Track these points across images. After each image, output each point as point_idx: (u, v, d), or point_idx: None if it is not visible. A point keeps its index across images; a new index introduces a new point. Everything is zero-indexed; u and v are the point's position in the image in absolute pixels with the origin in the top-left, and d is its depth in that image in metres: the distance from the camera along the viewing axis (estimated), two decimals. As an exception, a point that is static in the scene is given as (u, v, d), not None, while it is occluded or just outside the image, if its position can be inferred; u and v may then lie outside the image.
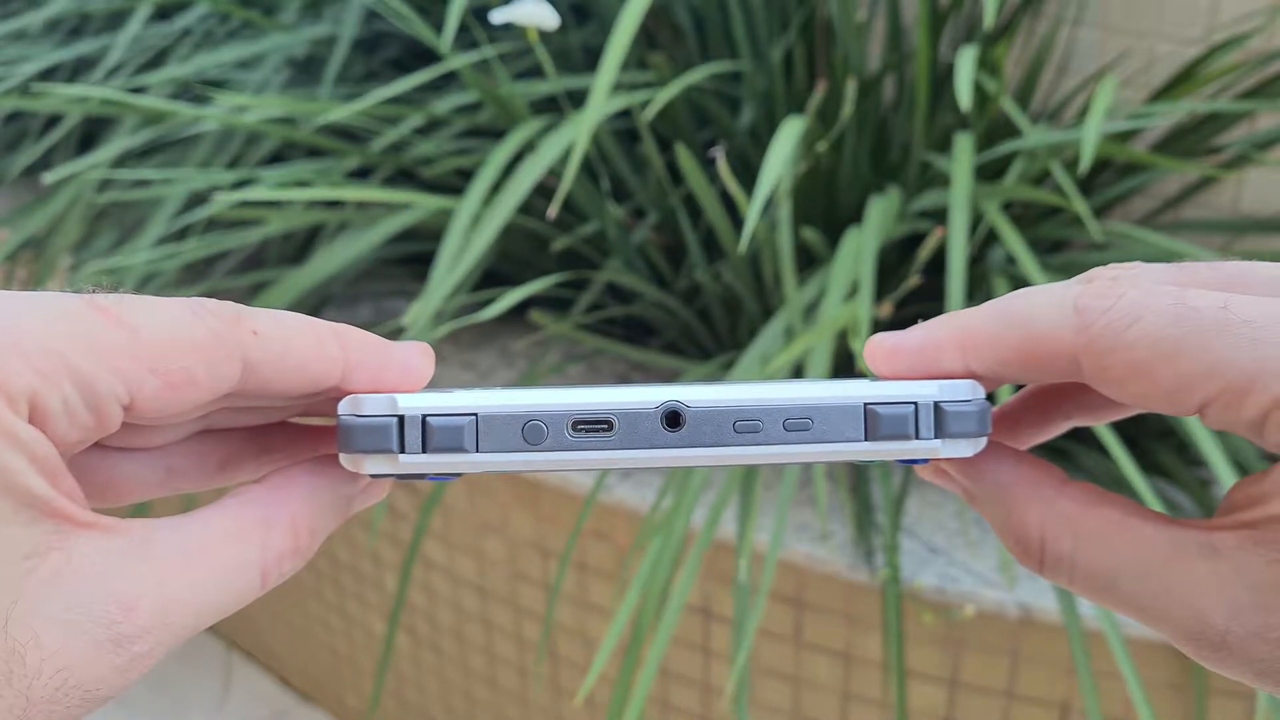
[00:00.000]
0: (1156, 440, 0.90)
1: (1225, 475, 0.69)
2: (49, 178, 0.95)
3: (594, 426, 0.24)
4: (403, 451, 0.24)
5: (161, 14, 1.23)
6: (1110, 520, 0.24)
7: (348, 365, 0.25)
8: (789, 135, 0.79)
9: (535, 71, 1.10)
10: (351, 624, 1.28)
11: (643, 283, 0.99)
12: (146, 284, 1.02)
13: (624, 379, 1.07)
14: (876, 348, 0.26)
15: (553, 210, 0.80)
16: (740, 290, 0.95)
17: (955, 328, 0.25)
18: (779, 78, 1.02)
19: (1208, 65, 0.94)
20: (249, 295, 1.05)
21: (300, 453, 0.28)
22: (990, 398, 0.26)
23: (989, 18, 0.79)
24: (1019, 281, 0.86)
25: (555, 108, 1.08)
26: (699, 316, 1.04)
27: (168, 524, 0.23)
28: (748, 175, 0.96)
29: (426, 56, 1.19)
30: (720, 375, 0.93)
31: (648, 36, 1.12)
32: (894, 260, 0.96)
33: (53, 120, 1.33)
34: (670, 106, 0.98)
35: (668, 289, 1.05)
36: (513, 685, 1.13)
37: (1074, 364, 0.23)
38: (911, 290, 0.88)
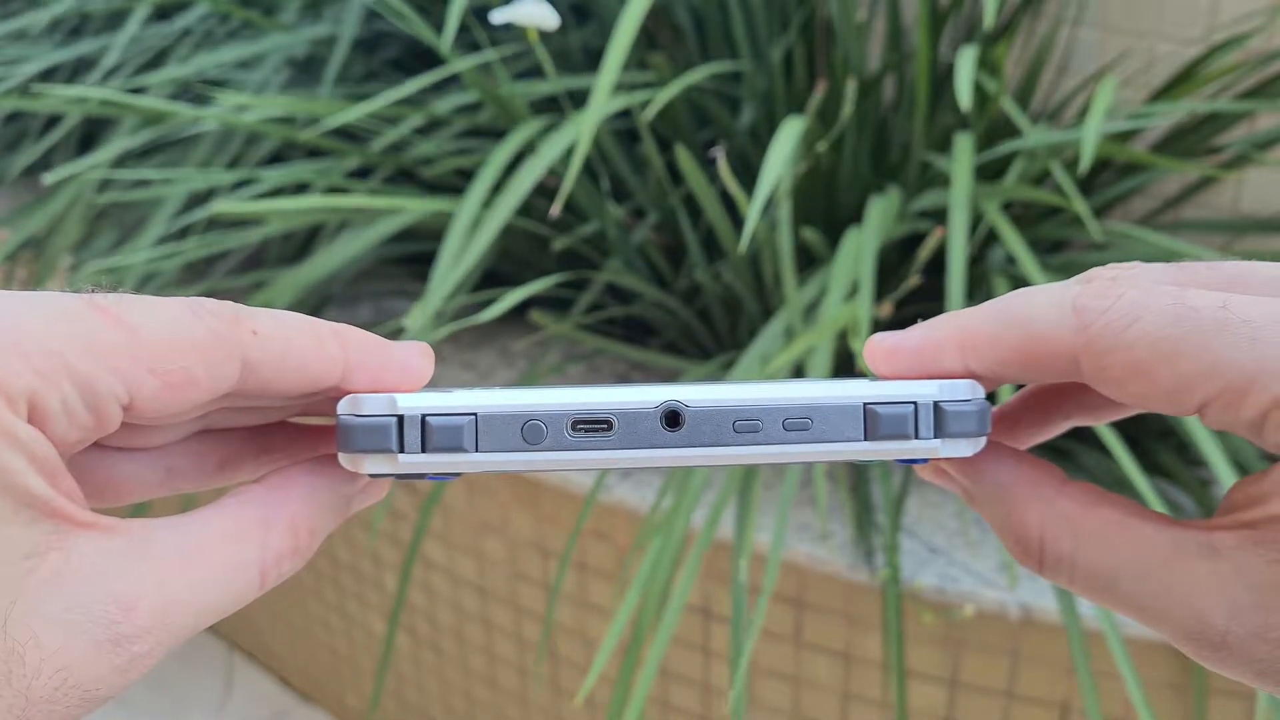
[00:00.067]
0: (1156, 440, 0.90)
1: (1225, 475, 0.69)
2: (49, 178, 0.95)
3: (593, 426, 0.24)
4: (402, 451, 0.24)
5: (161, 14, 1.23)
6: (1110, 520, 0.24)
7: (347, 365, 0.25)
8: (789, 135, 0.79)
9: (535, 72, 1.10)
10: (351, 624, 1.28)
11: (643, 283, 0.99)
12: (146, 284, 1.02)
13: (624, 379, 1.07)
14: (876, 347, 0.26)
15: (556, 209, 0.80)
16: (740, 290, 0.95)
17: (955, 327, 0.25)
18: (779, 78, 1.02)
19: (1208, 65, 0.94)
20: (249, 295, 1.05)
21: (300, 452, 0.28)
22: (990, 398, 0.26)
23: (989, 18, 0.79)
24: (1019, 281, 0.86)
25: (555, 108, 1.08)
26: (699, 316, 1.04)
27: (167, 524, 0.23)
28: (748, 175, 0.96)
29: (426, 56, 1.19)
30: (720, 375, 0.93)
31: (648, 37, 1.12)
32: (894, 260, 0.96)
33: (53, 120, 1.33)
34: (670, 106, 0.98)
35: (668, 289, 1.05)
36: (513, 685, 1.13)
37: (1073, 364, 0.23)
38: (911, 290, 0.88)
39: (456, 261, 0.83)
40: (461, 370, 1.10)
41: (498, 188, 0.87)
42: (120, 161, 1.11)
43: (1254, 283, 0.23)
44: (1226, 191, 1.07)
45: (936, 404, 0.25)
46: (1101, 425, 0.72)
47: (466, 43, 1.12)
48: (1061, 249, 1.04)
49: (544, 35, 0.98)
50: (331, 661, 1.35)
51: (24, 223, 1.10)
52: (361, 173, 1.10)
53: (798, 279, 0.87)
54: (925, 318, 0.26)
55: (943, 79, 0.99)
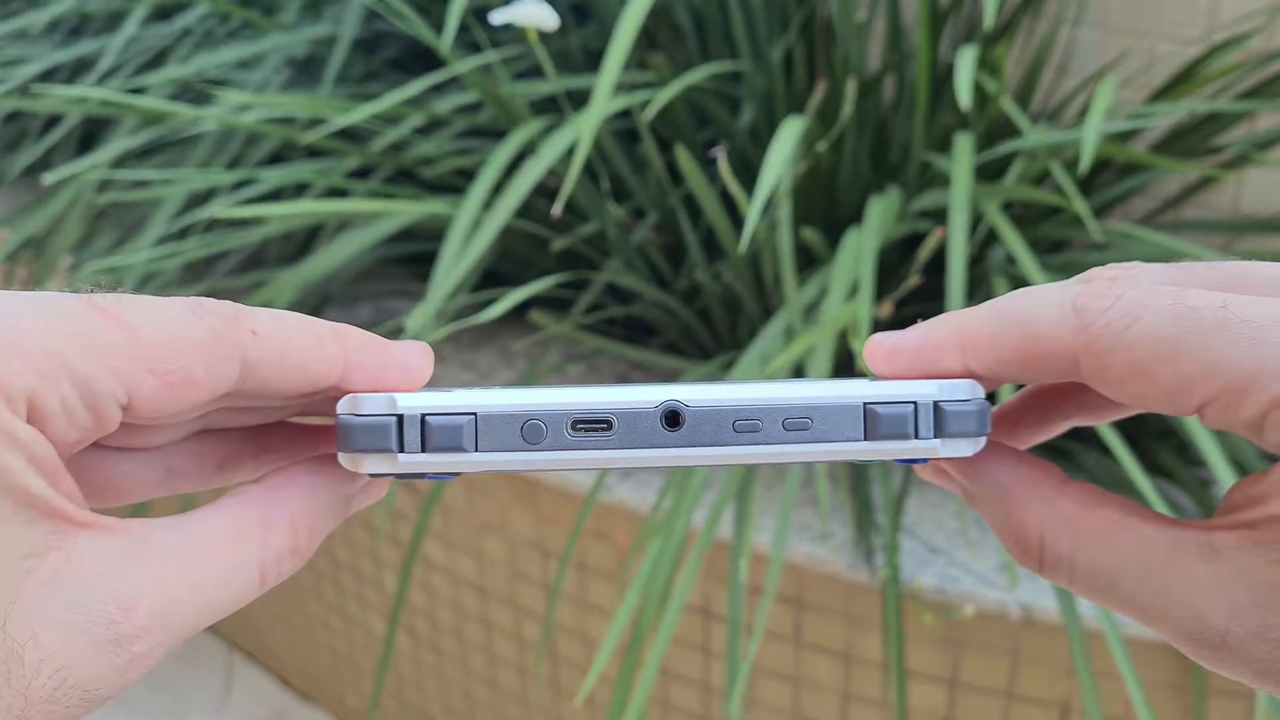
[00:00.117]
0: (1156, 440, 0.90)
1: (1225, 475, 0.69)
2: (49, 178, 0.95)
3: (593, 426, 0.24)
4: (402, 451, 0.24)
5: (161, 14, 1.23)
6: (1110, 520, 0.24)
7: (347, 365, 0.25)
8: (789, 135, 0.79)
9: (535, 72, 1.10)
10: (351, 624, 1.28)
11: (643, 283, 0.99)
12: (146, 284, 1.02)
13: (624, 379, 1.07)
14: (876, 347, 0.26)
15: (556, 209, 0.80)
16: (740, 290, 0.95)
17: (955, 327, 0.25)
18: (779, 78, 1.02)
19: (1208, 65, 0.94)
20: (249, 295, 1.05)
21: (299, 452, 0.28)
22: (990, 398, 0.26)
23: (989, 18, 0.79)
24: (1019, 281, 0.86)
25: (555, 108, 1.08)
26: (699, 316, 1.04)
27: (166, 524, 0.23)
28: (748, 175, 0.96)
29: (426, 56, 1.19)
30: (720, 375, 0.93)
31: (648, 37, 1.12)
32: (894, 260, 0.96)
33: (53, 120, 1.33)
34: (670, 107, 0.98)
35: (668, 289, 1.05)
36: (513, 685, 1.13)
37: (1073, 364, 0.23)
38: (911, 290, 0.88)
39: (457, 261, 0.83)
40: (461, 370, 1.10)
41: (498, 188, 0.87)
42: (120, 161, 1.11)
43: (1254, 283, 0.23)
44: (1226, 191, 1.07)
45: (936, 404, 0.25)
46: (1102, 425, 0.72)
47: (467, 43, 1.12)
48: (1061, 249, 1.04)
49: (544, 35, 0.98)
50: (331, 661, 1.35)
51: (24, 223, 1.10)
52: (362, 172, 1.10)
53: (798, 279, 0.87)
54: (925, 318, 0.26)
55: (943, 79, 0.99)
